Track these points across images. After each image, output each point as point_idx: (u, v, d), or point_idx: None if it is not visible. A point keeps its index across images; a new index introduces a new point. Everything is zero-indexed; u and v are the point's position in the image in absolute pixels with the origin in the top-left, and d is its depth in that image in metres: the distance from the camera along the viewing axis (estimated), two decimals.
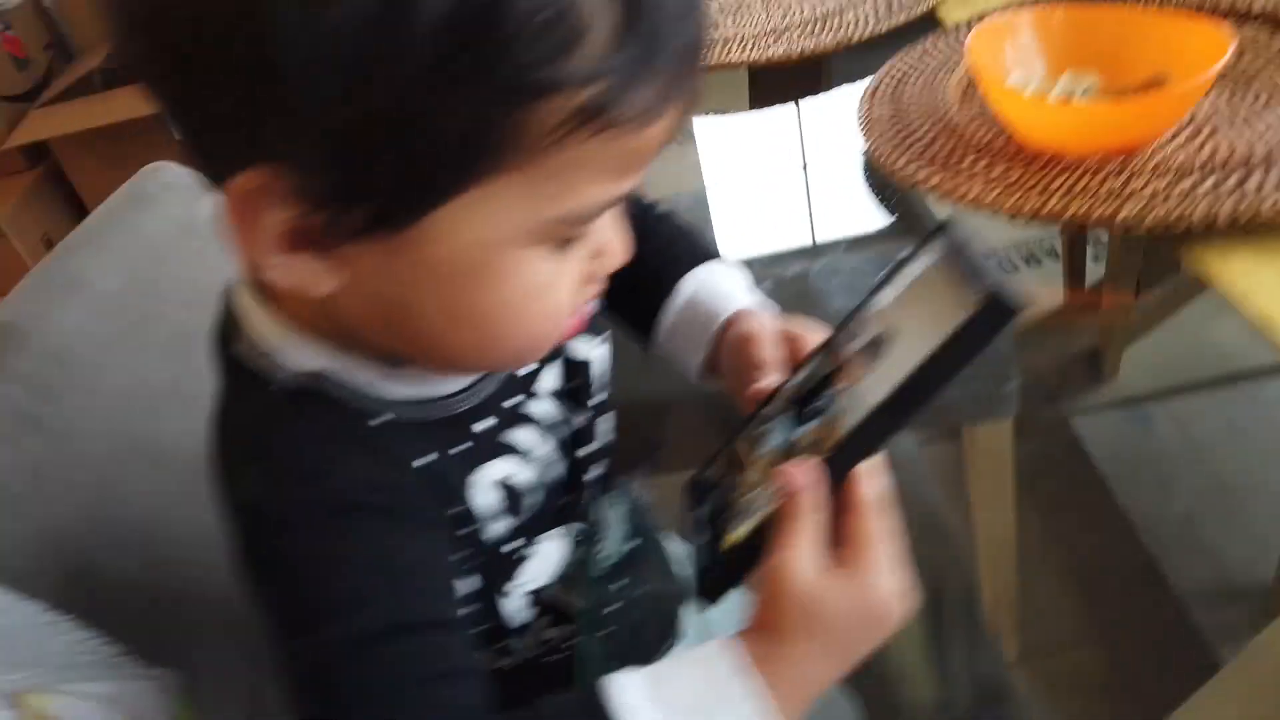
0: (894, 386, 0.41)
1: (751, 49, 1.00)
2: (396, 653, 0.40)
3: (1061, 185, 0.68)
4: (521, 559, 0.52)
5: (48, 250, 0.74)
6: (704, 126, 1.07)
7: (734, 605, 0.69)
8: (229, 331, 0.46)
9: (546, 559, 0.54)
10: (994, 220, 0.70)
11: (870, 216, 0.89)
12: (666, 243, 0.65)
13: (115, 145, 2.10)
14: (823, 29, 1.01)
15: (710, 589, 0.47)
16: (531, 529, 0.52)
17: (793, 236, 0.88)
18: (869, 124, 0.82)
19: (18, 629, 0.50)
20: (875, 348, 0.45)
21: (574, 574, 0.57)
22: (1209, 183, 0.64)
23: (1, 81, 2.25)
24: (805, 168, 0.98)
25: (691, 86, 0.39)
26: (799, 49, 0.98)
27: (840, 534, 0.42)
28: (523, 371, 0.53)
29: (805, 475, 0.42)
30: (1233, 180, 0.64)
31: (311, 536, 0.42)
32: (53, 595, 0.54)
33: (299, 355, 0.44)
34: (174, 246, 0.75)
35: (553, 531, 0.54)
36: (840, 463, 0.43)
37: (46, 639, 0.51)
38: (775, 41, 1.01)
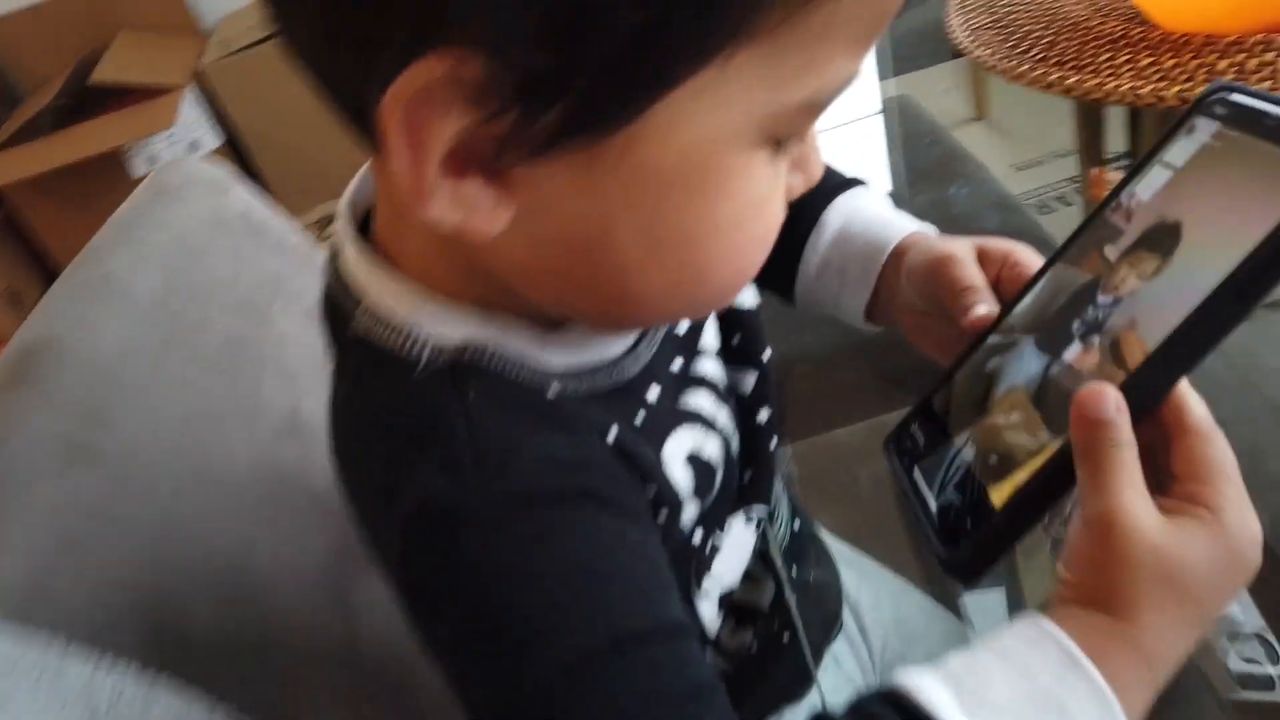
0: (1226, 273, 0.32)
1: None
2: (630, 670, 0.32)
3: (1230, 65, 0.61)
4: (712, 553, 0.43)
5: (12, 305, 0.64)
6: None
7: (884, 597, 0.61)
8: (343, 307, 0.37)
9: (737, 549, 0.45)
10: (1003, 171, 0.63)
11: (912, 159, 0.81)
12: None
13: (73, 185, 1.98)
14: None
15: (968, 561, 0.38)
16: (717, 514, 0.43)
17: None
18: (969, 33, 0.74)
19: (110, 703, 0.40)
20: (1159, 241, 0.36)
21: (759, 563, 0.49)
22: None
23: None
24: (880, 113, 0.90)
25: None
26: None
27: (1174, 468, 0.34)
28: (682, 328, 0.44)
29: (1111, 401, 0.33)
30: None
31: (510, 535, 0.33)
32: (136, 651, 0.44)
33: (441, 325, 0.35)
34: (208, 243, 0.66)
35: (737, 516, 0.45)
36: (1150, 383, 0.34)
37: (142, 710, 0.40)
38: None
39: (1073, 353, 0.37)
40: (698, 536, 0.42)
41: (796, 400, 0.67)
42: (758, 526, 0.47)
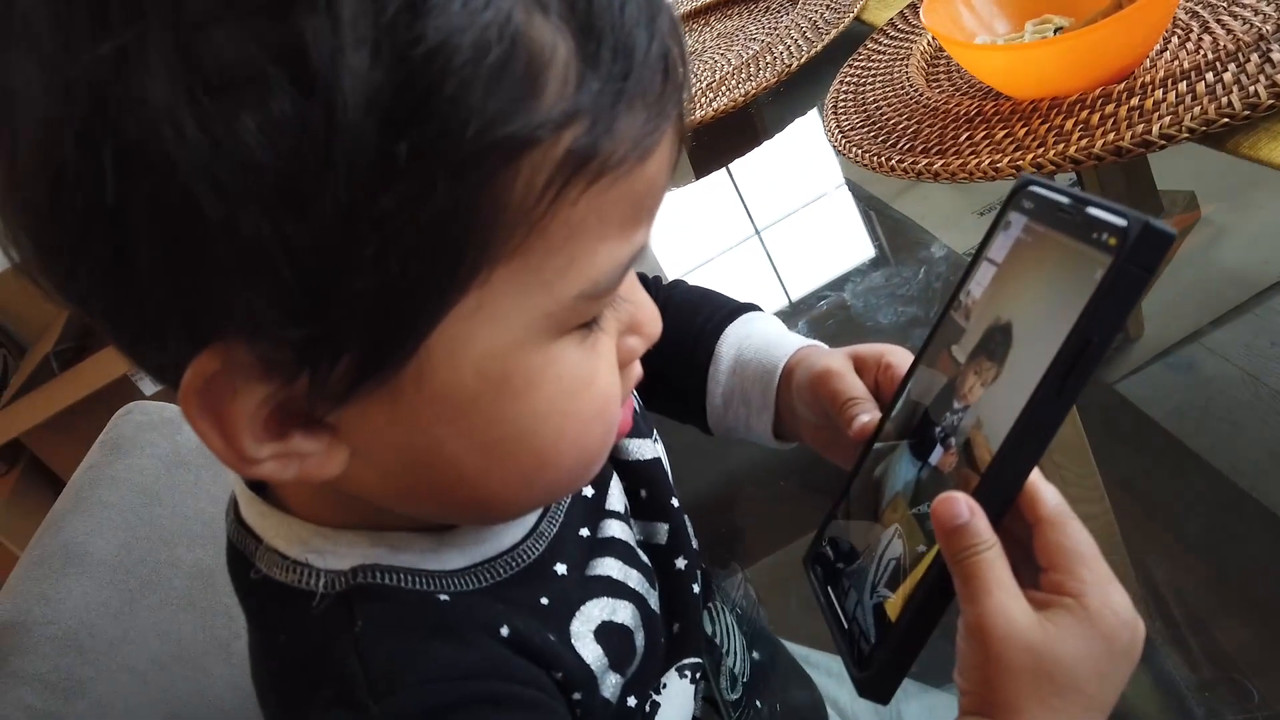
0: (1043, 372, 0.33)
1: (693, 109, 0.97)
2: None
3: (1075, 124, 0.63)
4: (654, 708, 0.44)
5: None
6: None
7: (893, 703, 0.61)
8: (244, 552, 0.39)
9: (677, 705, 0.46)
10: (949, 188, 0.66)
11: (862, 242, 0.83)
12: (687, 310, 0.58)
13: (86, 420, 2.05)
14: (757, 69, 0.98)
15: (876, 681, 0.38)
16: (648, 675, 0.44)
17: (797, 280, 0.82)
18: (842, 135, 0.77)
19: None
20: (993, 340, 0.38)
21: (709, 708, 0.49)
22: (1230, 72, 0.60)
23: None
24: (776, 216, 0.93)
25: (680, 104, 0.33)
26: (741, 93, 0.94)
27: (1038, 557, 0.34)
28: (587, 493, 0.45)
29: (962, 507, 0.34)
30: (1254, 61, 0.59)
31: None
32: None
33: (331, 556, 0.37)
34: (167, 485, 0.69)
35: (670, 673, 0.46)
36: (1004, 478, 0.35)
37: None
38: (714, 97, 0.97)
39: (937, 456, 0.39)
40: (631, 701, 0.43)
41: (750, 524, 0.68)
42: (695, 679, 0.47)
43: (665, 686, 0.45)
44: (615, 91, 0.29)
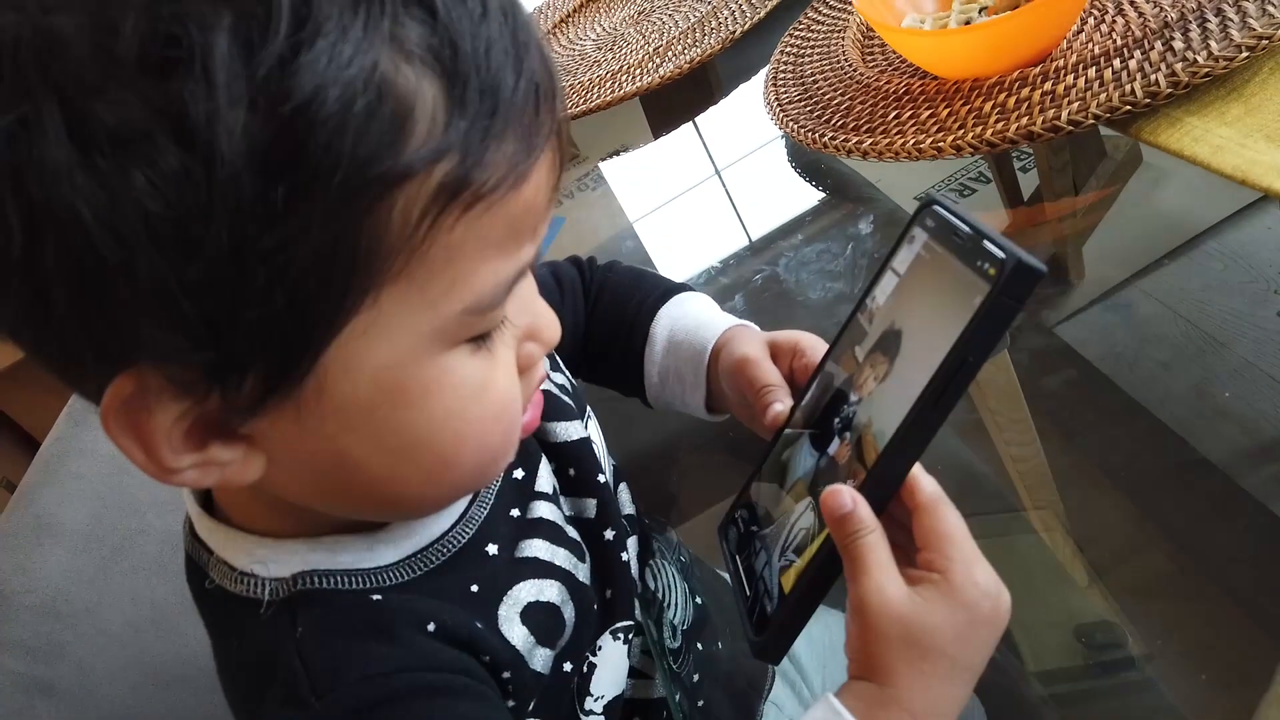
0: (925, 383, 0.38)
1: (641, 75, 0.99)
2: None
3: (993, 107, 0.67)
4: (588, 673, 0.48)
5: (10, 493, 0.70)
6: (613, 167, 1.04)
7: (817, 630, 0.66)
8: (198, 564, 0.42)
9: (612, 665, 0.50)
10: (914, 163, 0.69)
11: (807, 200, 0.86)
12: (623, 291, 0.62)
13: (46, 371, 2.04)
14: (703, 34, 1.00)
15: (769, 645, 0.43)
16: (581, 641, 0.48)
17: (739, 245, 0.86)
18: (780, 108, 0.80)
19: None
20: (887, 346, 0.42)
21: (648, 658, 0.54)
22: (1135, 59, 0.63)
23: None
24: (720, 175, 0.96)
25: (551, 132, 0.35)
26: (688, 58, 0.96)
27: (915, 539, 0.39)
28: (517, 475, 0.49)
29: (846, 498, 0.38)
30: (1157, 49, 0.63)
31: None
32: None
33: (274, 564, 0.40)
34: None
35: (604, 636, 0.50)
36: (887, 474, 0.39)
37: None
38: (662, 61, 0.99)
39: (834, 447, 0.43)
40: (567, 667, 0.46)
41: (689, 485, 0.72)
42: (629, 639, 0.51)
43: (600, 649, 0.49)
44: (484, 128, 0.31)
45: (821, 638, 0.66)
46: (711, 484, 0.70)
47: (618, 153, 1.05)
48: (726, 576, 0.58)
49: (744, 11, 0.99)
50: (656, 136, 1.07)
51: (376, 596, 0.40)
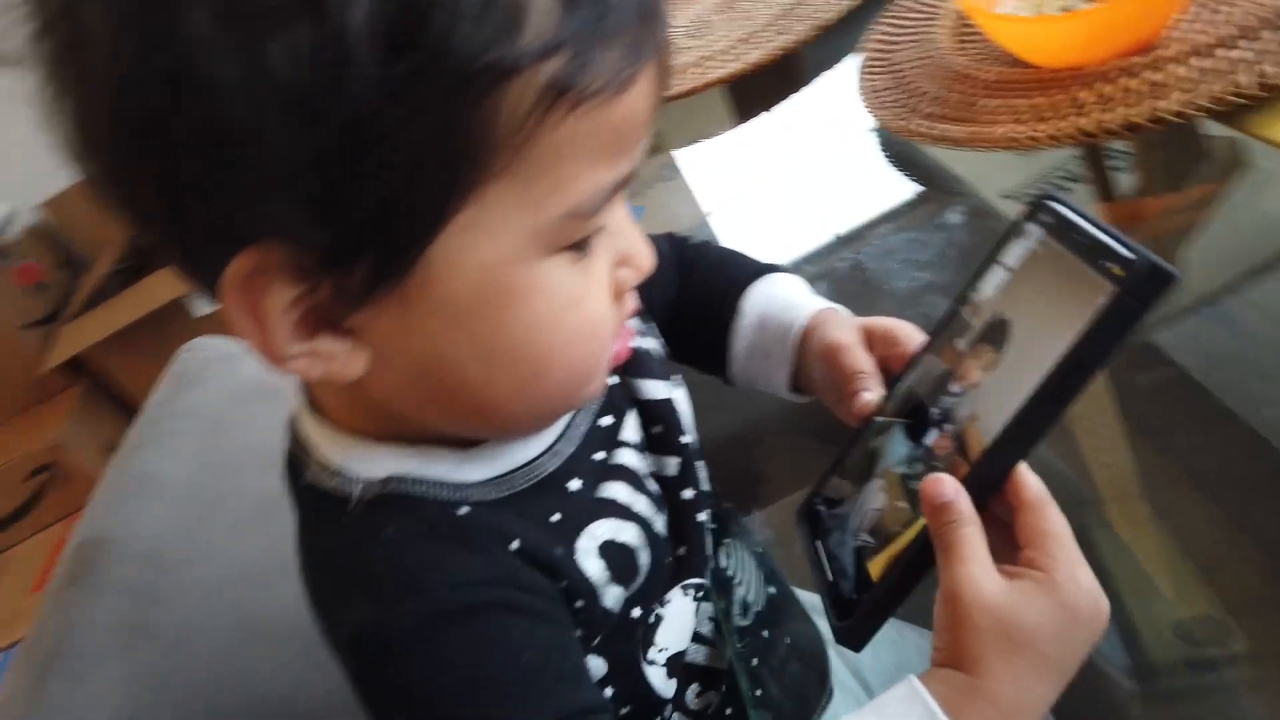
0: (1040, 381, 0.37)
1: (728, 62, 0.99)
2: None
3: (1093, 97, 0.65)
4: (654, 624, 0.49)
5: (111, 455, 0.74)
6: (691, 155, 1.04)
7: (883, 647, 0.66)
8: (298, 462, 0.44)
9: (678, 620, 0.51)
10: (1002, 159, 0.68)
11: (897, 189, 0.85)
12: (715, 268, 0.62)
13: (147, 337, 2.13)
14: (792, 21, 0.99)
15: (854, 631, 0.43)
16: (653, 591, 0.49)
17: (822, 235, 0.85)
18: (873, 96, 0.79)
19: None
20: (996, 340, 0.42)
21: (717, 630, 0.54)
22: (1245, 48, 0.61)
23: (28, 311, 2.32)
24: (803, 163, 0.95)
25: (659, 45, 0.37)
26: (776, 46, 0.96)
27: (1017, 537, 0.38)
28: (604, 423, 0.50)
29: (949, 486, 0.38)
30: (1266, 38, 0.61)
31: (429, 653, 0.38)
32: None
33: (367, 464, 0.42)
34: (230, 417, 0.75)
35: (674, 590, 0.51)
36: (992, 469, 0.39)
37: None
38: (750, 48, 0.99)
39: (932, 438, 0.42)
40: (636, 613, 0.47)
41: (770, 469, 0.73)
42: (698, 597, 0.52)
43: (669, 601, 0.50)
44: (593, 30, 0.33)
45: (887, 656, 0.66)
46: (790, 471, 0.70)
47: (696, 141, 1.05)
48: (806, 563, 0.58)
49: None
50: (740, 123, 1.07)
51: (464, 510, 0.42)
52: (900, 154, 0.85)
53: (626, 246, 0.42)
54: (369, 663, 0.39)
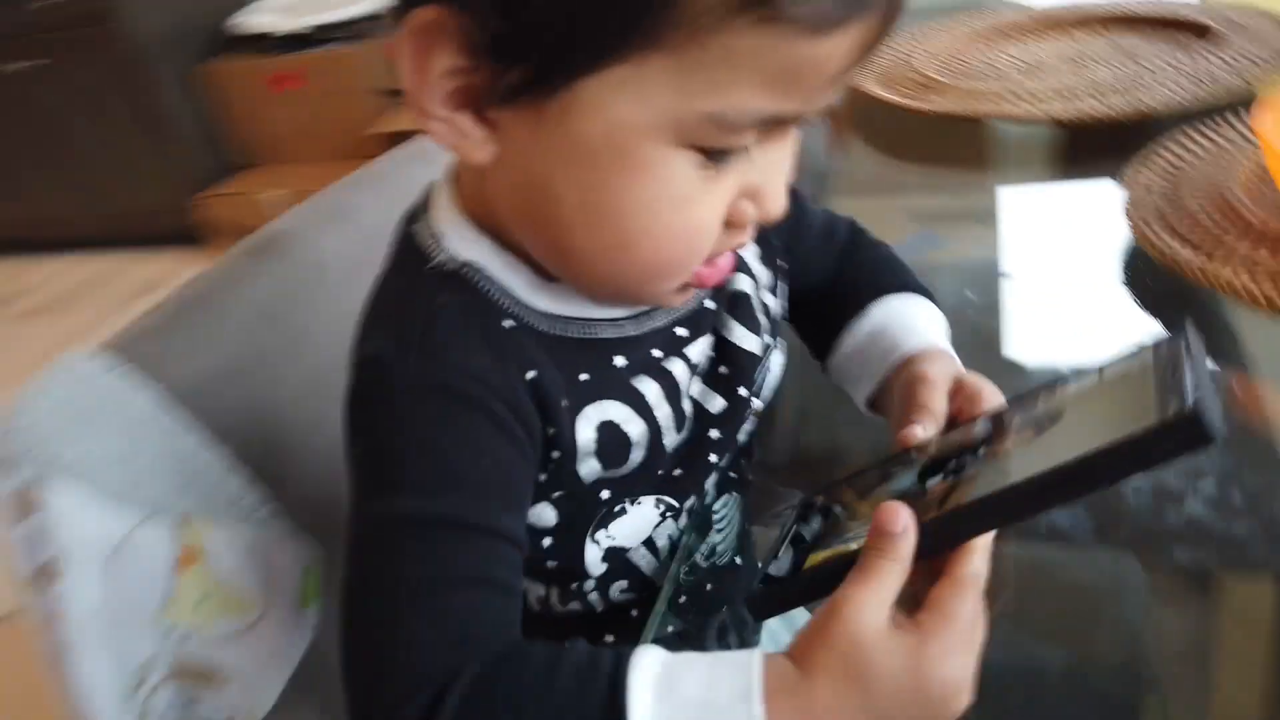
0: (1039, 471, 0.38)
1: (1019, 103, 0.95)
2: (448, 545, 0.42)
3: None
4: (616, 513, 0.52)
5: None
6: (1014, 197, 0.98)
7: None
8: (415, 213, 0.50)
9: (637, 522, 0.54)
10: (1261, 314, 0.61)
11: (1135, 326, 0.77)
12: (871, 266, 0.64)
13: None
14: (1110, 94, 0.94)
15: (763, 604, 0.45)
16: (630, 487, 0.52)
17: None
18: (1137, 200, 0.74)
19: (203, 466, 0.59)
20: (1040, 426, 0.42)
21: (671, 551, 0.57)
22: None
23: (389, 78, 2.59)
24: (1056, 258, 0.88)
25: (872, 14, 0.37)
26: (1105, 109, 0.91)
27: (926, 599, 0.39)
28: (679, 332, 0.53)
29: (901, 520, 0.39)
30: None
31: (412, 408, 0.43)
32: (240, 451, 0.62)
33: (462, 242, 0.47)
34: None
35: (649, 498, 0.53)
36: (952, 527, 0.40)
37: (220, 479, 0.59)
38: (1072, 99, 0.95)
39: (934, 482, 0.44)
40: (605, 494, 0.51)
41: (818, 455, 0.72)
42: (664, 514, 0.55)
43: (639, 504, 0.53)
44: None
45: None
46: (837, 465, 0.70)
47: (1024, 183, 1.01)
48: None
49: (1180, 91, 0.91)
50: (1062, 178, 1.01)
51: (508, 323, 0.46)
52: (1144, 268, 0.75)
53: (762, 183, 0.43)
54: (362, 385, 0.45)
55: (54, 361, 0.58)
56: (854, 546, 0.41)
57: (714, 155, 0.40)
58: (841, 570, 0.40)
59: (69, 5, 2.96)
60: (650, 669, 0.39)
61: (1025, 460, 0.41)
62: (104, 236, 3.44)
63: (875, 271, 0.63)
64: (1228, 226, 0.68)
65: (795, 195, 0.63)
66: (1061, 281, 0.80)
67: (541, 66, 0.37)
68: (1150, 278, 0.71)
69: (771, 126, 0.40)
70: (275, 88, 3.04)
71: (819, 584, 0.42)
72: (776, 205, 0.44)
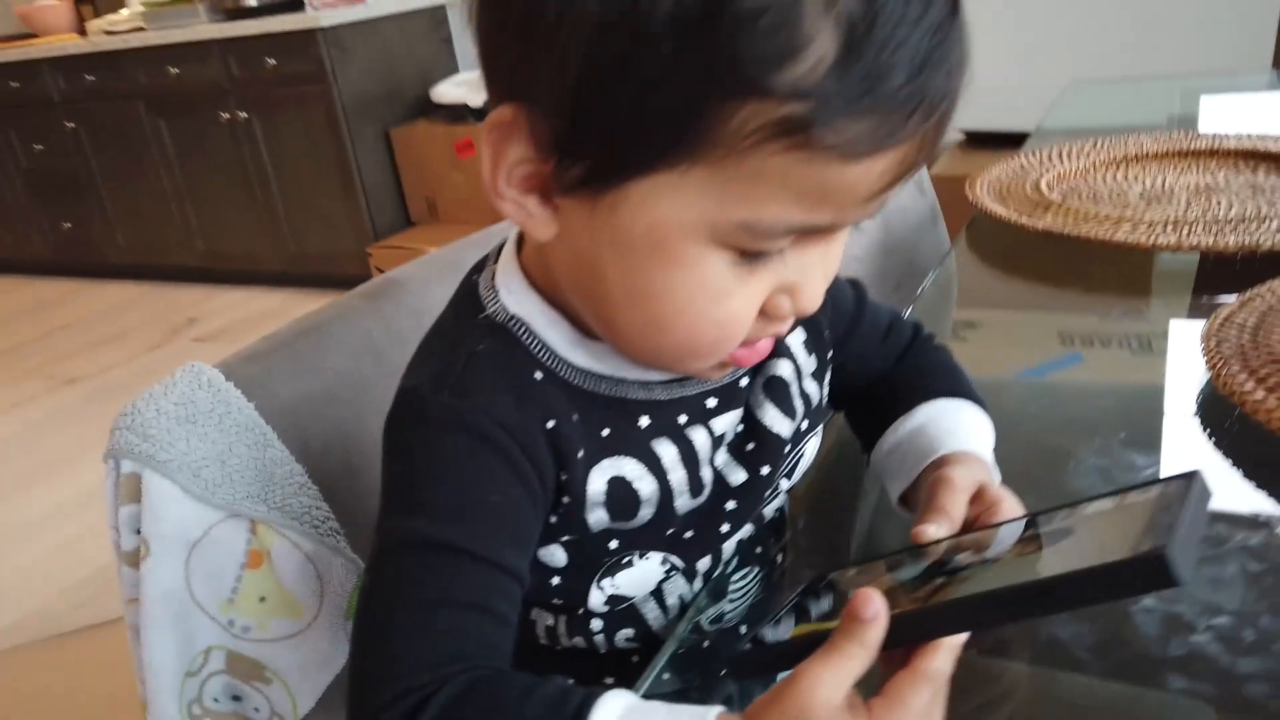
0: (1014, 581, 0.40)
1: (1117, 230, 0.94)
2: (451, 569, 0.46)
3: None
4: (623, 564, 0.55)
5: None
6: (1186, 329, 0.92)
7: None
8: (483, 263, 0.55)
9: (645, 573, 0.56)
10: None
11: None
12: (928, 369, 0.65)
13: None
14: (1219, 230, 0.91)
15: (742, 664, 0.47)
16: (639, 541, 0.55)
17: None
18: (1216, 347, 0.72)
19: (283, 477, 0.66)
20: (1049, 539, 0.44)
21: (681, 610, 0.59)
22: None
23: None
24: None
25: (917, 138, 0.39)
26: (1178, 238, 0.89)
27: (884, 686, 0.40)
28: (709, 403, 0.55)
29: (872, 608, 0.40)
30: None
31: (437, 441, 0.47)
32: (318, 469, 0.68)
33: (513, 299, 0.51)
34: None
35: (656, 554, 0.56)
36: (923, 622, 0.41)
37: (295, 492, 0.66)
38: (1160, 233, 0.93)
39: (928, 576, 0.45)
40: (613, 544, 0.54)
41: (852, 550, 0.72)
42: (669, 572, 0.57)
43: (645, 559, 0.55)
44: (849, 100, 0.37)
45: None
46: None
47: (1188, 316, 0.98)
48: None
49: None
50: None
51: (539, 375, 0.50)
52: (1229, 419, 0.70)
53: (799, 281, 0.46)
54: (399, 413, 0.50)
55: (182, 369, 0.66)
56: (831, 624, 0.43)
57: (749, 255, 0.43)
58: (816, 645, 0.42)
59: (296, 65, 3.32)
60: (614, 709, 0.41)
61: (1014, 571, 0.42)
62: (285, 275, 3.75)
63: (930, 374, 0.65)
64: None
65: (858, 289, 0.66)
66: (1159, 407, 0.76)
67: (596, 166, 0.41)
68: (1228, 418, 0.69)
69: (807, 233, 0.43)
70: (460, 154, 3.27)
71: (794, 654, 0.43)
72: (812, 302, 0.47)
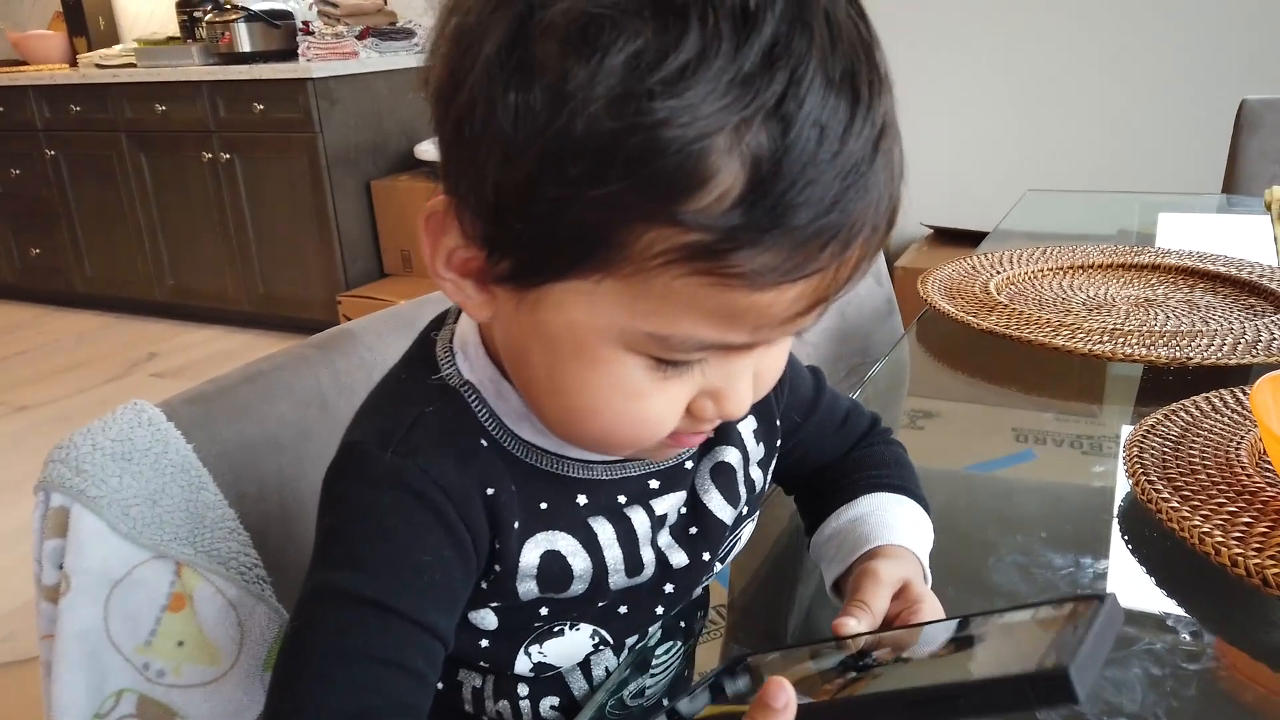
0: (923, 683, 0.41)
1: (1055, 335, 0.97)
2: (373, 624, 0.46)
3: None
4: (554, 631, 0.55)
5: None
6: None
7: None
8: (442, 320, 0.56)
9: (573, 644, 0.57)
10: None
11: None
12: (878, 461, 0.67)
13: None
14: (1152, 345, 0.95)
15: None
16: (570, 610, 0.55)
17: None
18: (1139, 456, 0.75)
19: (213, 521, 0.65)
20: (960, 645, 0.45)
21: (605, 677, 0.60)
22: None
23: None
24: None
25: (827, 272, 0.40)
26: (1126, 350, 0.93)
27: None
28: (651, 485, 0.56)
29: (782, 698, 0.41)
30: None
31: (374, 497, 0.48)
32: (251, 516, 0.68)
33: (470, 364, 0.52)
34: None
35: (586, 625, 0.56)
36: (834, 715, 0.43)
37: (225, 536, 0.66)
38: (1098, 341, 0.96)
39: (844, 670, 0.46)
40: (544, 611, 0.54)
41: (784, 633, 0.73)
42: (597, 645, 0.57)
43: (575, 630, 0.56)
44: (755, 234, 0.37)
45: None
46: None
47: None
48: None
49: (1224, 349, 0.92)
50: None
51: (484, 442, 0.51)
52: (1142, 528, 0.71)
53: (723, 388, 0.46)
54: (340, 465, 0.51)
55: (124, 406, 0.67)
56: (744, 709, 0.44)
57: (666, 362, 0.44)
58: None
59: (283, 112, 3.36)
60: None
61: (924, 672, 0.44)
62: (253, 317, 3.75)
63: (879, 466, 0.66)
64: (1225, 489, 0.68)
65: (818, 376, 0.68)
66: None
67: (517, 267, 0.43)
68: (1146, 525, 0.71)
69: (724, 349, 0.44)
70: None
71: None
72: (738, 408, 0.47)
